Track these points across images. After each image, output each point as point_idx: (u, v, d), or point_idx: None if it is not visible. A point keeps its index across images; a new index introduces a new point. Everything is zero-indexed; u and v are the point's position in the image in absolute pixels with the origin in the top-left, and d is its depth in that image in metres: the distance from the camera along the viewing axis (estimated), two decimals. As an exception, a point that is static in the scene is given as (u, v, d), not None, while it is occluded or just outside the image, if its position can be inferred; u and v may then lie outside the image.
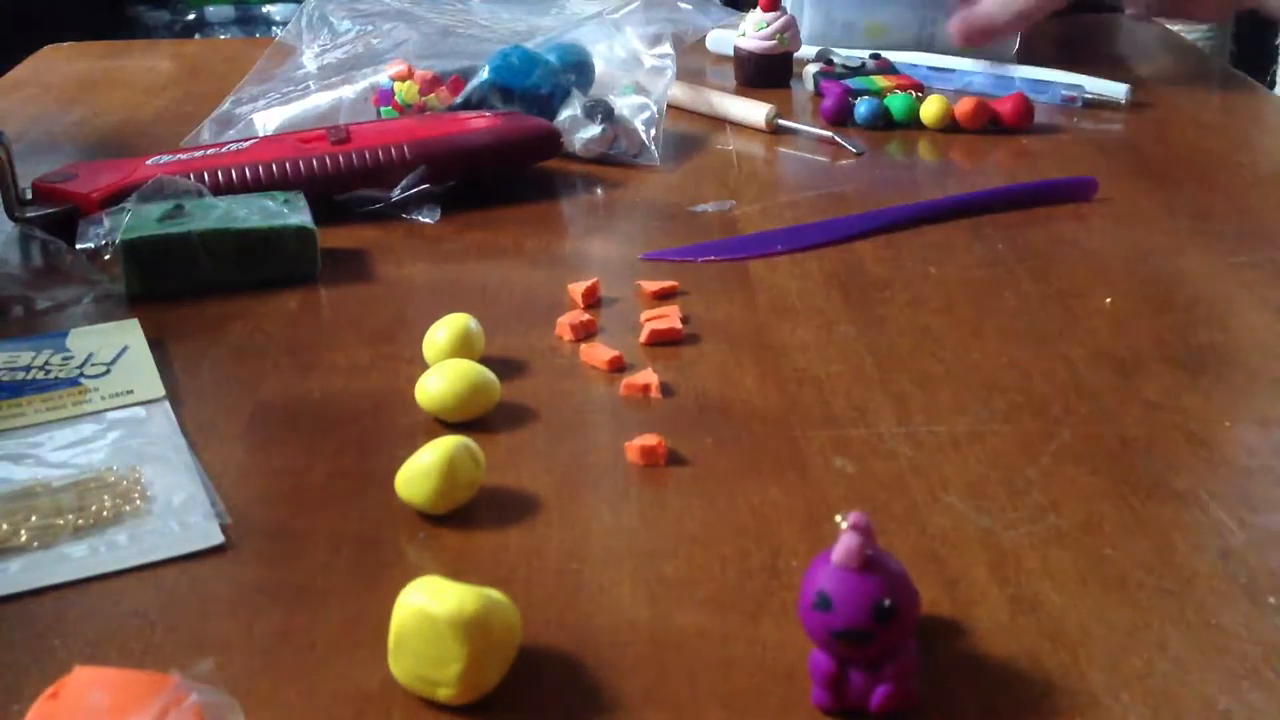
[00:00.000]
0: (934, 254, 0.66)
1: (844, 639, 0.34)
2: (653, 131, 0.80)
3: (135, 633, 0.39)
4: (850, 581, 0.34)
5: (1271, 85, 1.54)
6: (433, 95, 0.81)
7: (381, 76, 0.83)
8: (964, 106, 0.85)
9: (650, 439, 0.48)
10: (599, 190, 0.77)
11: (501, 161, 0.76)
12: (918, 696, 0.36)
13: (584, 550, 0.43)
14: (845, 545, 0.34)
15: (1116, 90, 0.90)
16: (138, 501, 0.45)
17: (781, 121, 0.86)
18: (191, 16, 2.40)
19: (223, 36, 2.34)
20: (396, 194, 0.71)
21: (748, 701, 0.36)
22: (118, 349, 0.56)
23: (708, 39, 1.00)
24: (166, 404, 0.52)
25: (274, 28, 2.31)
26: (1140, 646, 0.38)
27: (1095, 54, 1.03)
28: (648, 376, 0.53)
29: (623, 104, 0.81)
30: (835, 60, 0.95)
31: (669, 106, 0.85)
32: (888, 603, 0.34)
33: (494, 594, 0.37)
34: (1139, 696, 0.36)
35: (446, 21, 0.87)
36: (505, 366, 0.54)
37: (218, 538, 0.44)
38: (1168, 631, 0.39)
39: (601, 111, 0.79)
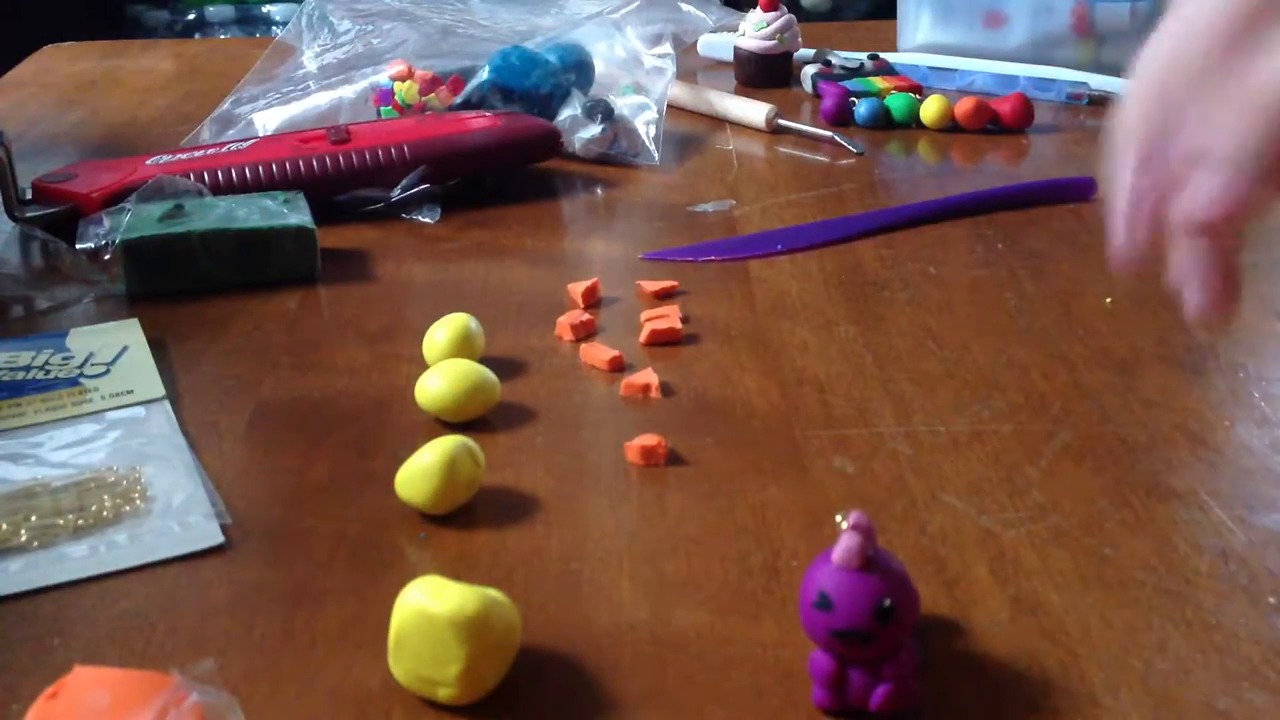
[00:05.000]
0: (934, 254, 0.66)
1: (845, 639, 0.34)
2: (653, 131, 0.80)
3: (135, 633, 0.39)
4: (851, 581, 0.34)
5: (1271, 85, 1.53)
6: (433, 95, 0.81)
7: (381, 76, 0.83)
8: (964, 106, 0.85)
9: (650, 439, 0.48)
10: (599, 190, 0.77)
11: (501, 161, 0.76)
12: (918, 696, 0.36)
13: (584, 550, 0.43)
14: (846, 545, 0.35)
15: (1122, 86, 0.90)
16: (138, 501, 0.45)
17: (781, 121, 0.86)
18: (191, 16, 2.40)
19: (223, 36, 2.34)
20: (396, 194, 0.71)
21: (748, 701, 0.36)
22: (118, 349, 0.56)
23: (699, 43, 1.00)
24: (166, 404, 0.52)
25: (274, 28, 2.31)
26: (1140, 646, 0.38)
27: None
28: (648, 376, 0.53)
29: (623, 104, 0.81)
30: (833, 61, 0.95)
31: (669, 106, 0.85)
32: (888, 603, 0.34)
33: (494, 594, 0.37)
34: (1139, 696, 0.36)
35: (446, 21, 0.87)
36: (505, 366, 0.54)
37: (218, 538, 0.44)
38: (1168, 631, 0.39)
39: (601, 111, 0.79)
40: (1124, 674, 0.37)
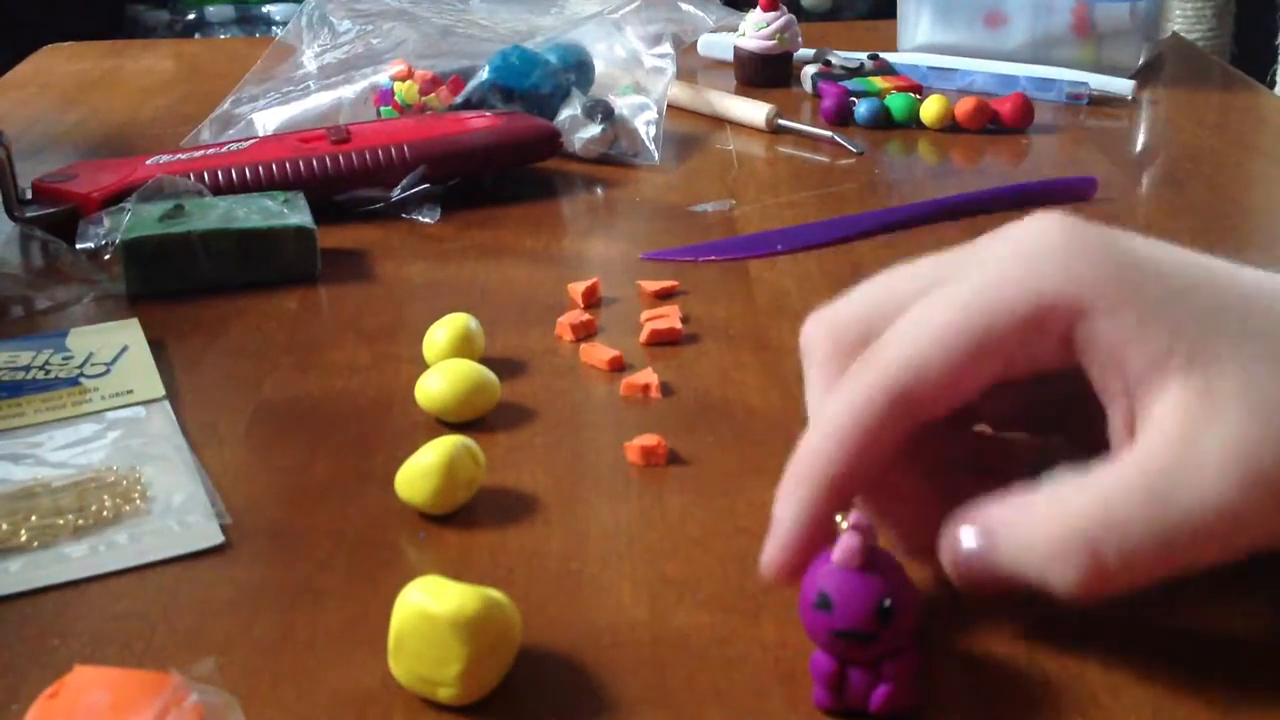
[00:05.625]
0: (934, 254, 0.66)
1: (846, 639, 0.34)
2: (653, 131, 0.80)
3: (135, 633, 0.39)
4: (851, 582, 0.34)
5: (1271, 85, 1.54)
6: (433, 95, 0.81)
7: (381, 76, 0.83)
8: (964, 106, 0.85)
9: (650, 439, 0.48)
10: (599, 190, 0.77)
11: (501, 161, 0.76)
12: (918, 696, 0.36)
13: (584, 550, 0.43)
14: (846, 545, 0.34)
15: (1122, 86, 0.90)
16: (138, 501, 0.45)
17: (781, 121, 0.86)
18: (191, 16, 2.40)
19: (223, 36, 2.34)
20: (396, 194, 0.71)
21: (748, 701, 0.36)
22: (118, 349, 0.56)
23: (699, 43, 1.00)
24: (166, 404, 0.52)
25: (274, 28, 2.31)
26: (1140, 646, 0.38)
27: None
28: (648, 376, 0.53)
29: (623, 104, 0.81)
30: (833, 61, 0.95)
31: (669, 106, 0.85)
32: (889, 603, 0.34)
33: (494, 594, 0.37)
34: (1139, 696, 0.36)
35: (446, 21, 0.87)
36: (505, 366, 0.54)
37: (218, 538, 0.44)
38: (1169, 631, 0.39)
39: (601, 111, 0.79)
40: (1124, 674, 0.37)
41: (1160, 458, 0.35)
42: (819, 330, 0.42)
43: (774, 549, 0.38)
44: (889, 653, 0.35)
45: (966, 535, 0.37)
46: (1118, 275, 0.36)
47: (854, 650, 0.35)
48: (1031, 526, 0.36)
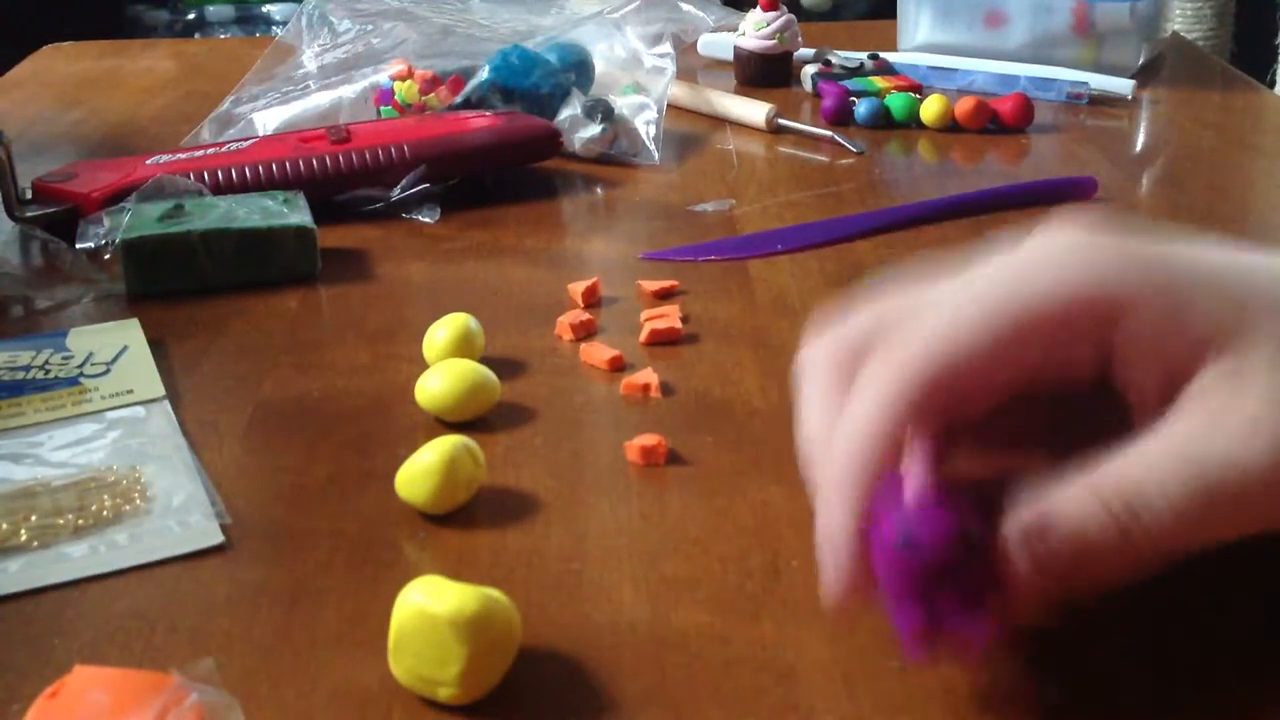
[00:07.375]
0: (934, 254, 0.66)
1: (936, 574, 0.33)
2: (653, 131, 0.80)
3: (135, 633, 0.39)
4: (934, 515, 0.34)
5: (1271, 85, 1.53)
6: (433, 95, 0.81)
7: (381, 76, 0.83)
8: (964, 106, 0.85)
9: (650, 439, 0.48)
10: (599, 190, 0.77)
11: (501, 161, 0.76)
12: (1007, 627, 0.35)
13: (584, 550, 0.43)
14: (920, 482, 0.34)
15: (1122, 86, 0.91)
16: (138, 501, 0.45)
17: (781, 121, 0.86)
18: (191, 16, 2.41)
19: (223, 36, 2.34)
20: (396, 194, 0.71)
21: (748, 701, 0.36)
22: (117, 349, 0.56)
23: (699, 43, 1.00)
24: (166, 403, 0.52)
25: (274, 28, 2.31)
26: (1141, 645, 0.38)
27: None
28: (648, 376, 0.53)
29: (623, 104, 0.81)
30: (833, 61, 0.95)
31: (669, 106, 0.85)
32: (974, 530, 0.33)
33: (494, 594, 0.37)
34: (1141, 695, 0.36)
35: (446, 21, 0.87)
36: (505, 366, 0.54)
37: (218, 538, 0.44)
38: (1170, 630, 0.39)
39: (601, 111, 0.79)
40: (1129, 670, 0.37)
41: (1192, 426, 0.34)
42: (818, 350, 0.40)
43: (836, 568, 0.35)
44: (978, 584, 0.34)
45: (1024, 517, 0.34)
46: (1147, 271, 0.36)
47: (945, 582, 0.33)
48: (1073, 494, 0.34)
